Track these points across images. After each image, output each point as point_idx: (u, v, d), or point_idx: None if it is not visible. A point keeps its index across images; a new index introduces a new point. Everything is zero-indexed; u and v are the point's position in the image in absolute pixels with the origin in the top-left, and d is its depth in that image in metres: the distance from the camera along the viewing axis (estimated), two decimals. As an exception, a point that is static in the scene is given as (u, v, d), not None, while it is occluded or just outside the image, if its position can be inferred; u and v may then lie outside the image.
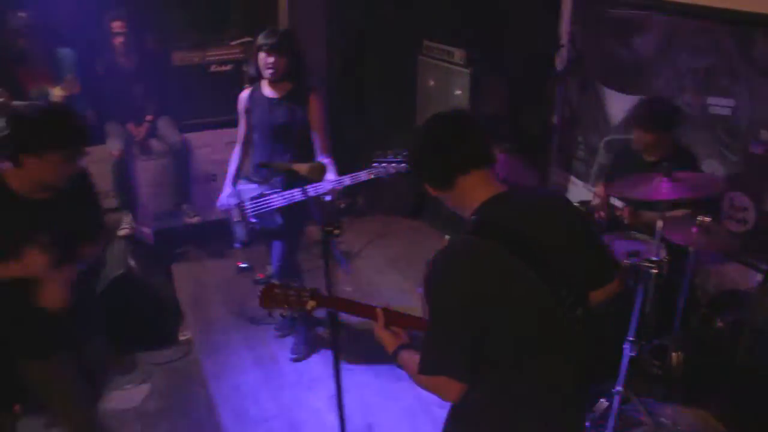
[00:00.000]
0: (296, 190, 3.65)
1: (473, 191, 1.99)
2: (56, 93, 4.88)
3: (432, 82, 5.68)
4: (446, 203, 2.08)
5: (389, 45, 5.86)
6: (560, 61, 5.32)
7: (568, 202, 2.21)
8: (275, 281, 2.53)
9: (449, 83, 5.46)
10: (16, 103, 4.57)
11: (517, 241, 1.90)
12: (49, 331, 2.76)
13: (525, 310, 1.90)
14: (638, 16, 4.66)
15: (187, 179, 5.51)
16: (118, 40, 5.12)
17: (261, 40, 3.77)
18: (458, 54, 5.34)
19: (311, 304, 2.45)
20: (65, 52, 4.99)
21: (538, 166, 5.37)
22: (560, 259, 1.94)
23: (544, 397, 1.98)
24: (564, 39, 5.29)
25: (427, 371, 1.92)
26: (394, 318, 2.26)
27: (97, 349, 3.26)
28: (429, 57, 5.69)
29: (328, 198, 3.68)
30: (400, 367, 2.16)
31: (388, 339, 2.21)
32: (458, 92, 5.36)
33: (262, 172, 3.93)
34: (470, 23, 5.51)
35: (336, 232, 2.73)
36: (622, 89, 4.91)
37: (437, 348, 1.91)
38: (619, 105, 4.94)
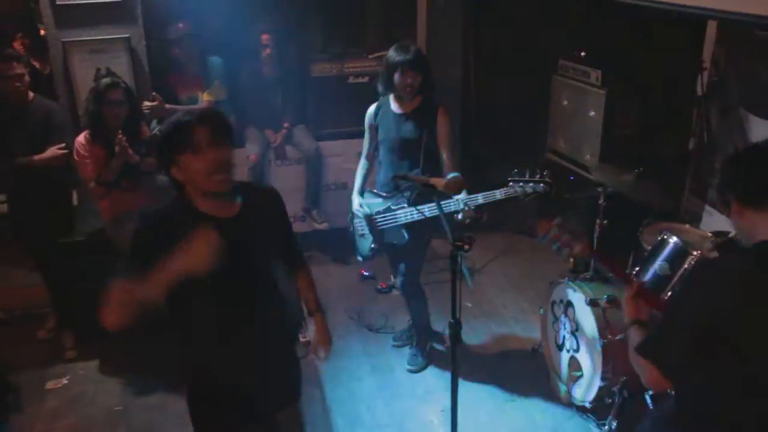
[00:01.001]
0: (427, 205, 3.64)
1: (760, 220, 1.98)
2: (204, 98, 5.23)
3: (566, 102, 5.61)
4: (736, 222, 2.09)
5: (524, 63, 5.84)
6: (701, 84, 5.12)
7: None
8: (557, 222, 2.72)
9: (583, 103, 5.38)
10: (168, 106, 4.92)
11: None
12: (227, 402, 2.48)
13: (759, 344, 1.93)
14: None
15: (318, 186, 5.71)
16: (266, 52, 5.39)
17: (396, 57, 3.77)
18: (594, 74, 5.25)
19: (578, 249, 2.68)
20: (214, 61, 5.31)
21: (672, 192, 5.19)
22: None
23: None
24: (706, 61, 5.08)
25: (640, 351, 2.11)
26: (644, 293, 2.43)
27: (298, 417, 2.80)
28: (564, 76, 5.62)
29: (459, 216, 3.67)
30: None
31: (630, 308, 2.38)
32: (592, 113, 5.27)
33: (389, 186, 3.97)
34: (608, 43, 5.40)
35: (466, 247, 2.76)
36: (768, 116, 4.66)
37: (658, 335, 2.11)
38: (763, 132, 4.69)
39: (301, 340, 4.73)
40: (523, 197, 3.57)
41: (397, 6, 6.13)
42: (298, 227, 5.74)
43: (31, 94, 4.35)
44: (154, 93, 4.77)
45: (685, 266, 3.39)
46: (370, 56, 5.66)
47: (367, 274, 5.42)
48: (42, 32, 5.11)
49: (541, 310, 4.19)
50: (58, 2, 4.83)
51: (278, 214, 2.60)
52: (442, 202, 3.41)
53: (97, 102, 4.10)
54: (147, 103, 4.71)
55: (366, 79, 5.63)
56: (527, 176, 3.56)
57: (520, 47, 5.82)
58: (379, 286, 5.26)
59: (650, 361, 2.06)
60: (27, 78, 4.27)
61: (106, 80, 4.20)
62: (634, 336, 2.24)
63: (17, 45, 5.78)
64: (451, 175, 3.73)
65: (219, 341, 2.40)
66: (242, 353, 2.43)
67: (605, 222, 4.27)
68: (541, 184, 3.55)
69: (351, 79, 5.68)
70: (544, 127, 5.92)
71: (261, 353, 2.46)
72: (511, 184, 3.58)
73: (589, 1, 5.52)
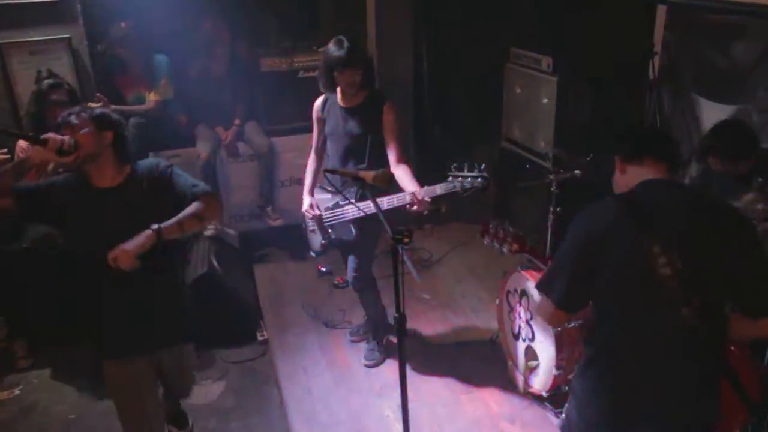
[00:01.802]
0: (367, 201, 3.59)
1: (639, 173, 2.29)
2: (151, 98, 5.13)
3: (519, 90, 5.59)
4: (619, 179, 2.40)
5: (476, 52, 5.81)
6: (653, 69, 5.13)
7: (743, 221, 2.28)
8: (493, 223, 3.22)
9: (536, 91, 5.35)
10: (114, 107, 4.82)
11: (647, 215, 2.16)
12: (129, 332, 2.95)
13: (627, 279, 2.18)
14: (738, 22, 4.42)
15: (272, 182, 5.65)
16: (217, 48, 5.31)
17: (331, 54, 3.70)
18: (545, 61, 5.23)
19: (515, 246, 3.23)
20: (160, 59, 5.21)
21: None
22: (693, 254, 2.12)
23: (643, 363, 2.24)
24: (657, 46, 5.09)
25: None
26: None
27: (181, 356, 3.23)
28: (516, 64, 5.60)
29: (409, 209, 3.62)
30: None
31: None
32: (545, 100, 5.25)
33: (336, 181, 3.92)
34: (559, 30, 5.38)
35: (406, 240, 2.72)
36: (719, 99, 4.68)
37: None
38: (714, 115, 4.70)
39: (258, 338, 4.70)
40: (462, 192, 3.54)
41: (346, -2, 6.07)
42: (253, 225, 5.72)
43: None
44: (98, 94, 4.66)
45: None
46: (320, 50, 5.60)
47: (324, 269, 5.38)
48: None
49: (497, 300, 4.18)
50: (-9, 2, 4.70)
51: (161, 180, 2.93)
52: (381, 199, 3.42)
53: (39, 103, 4.00)
54: (91, 105, 4.60)
55: (316, 72, 5.53)
56: (465, 171, 3.53)
57: (472, 36, 5.79)
58: (336, 282, 5.21)
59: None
60: None
61: (48, 81, 4.10)
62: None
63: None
64: (382, 169, 3.68)
65: (102, 291, 2.90)
66: (121, 299, 2.89)
67: (559, 209, 4.29)
68: (479, 179, 3.52)
69: (301, 74, 5.62)
70: (498, 116, 5.90)
71: (138, 301, 2.89)
72: (450, 179, 3.55)
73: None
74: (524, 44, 5.54)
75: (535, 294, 3.73)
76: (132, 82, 5.14)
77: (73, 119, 2.81)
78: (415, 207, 3.60)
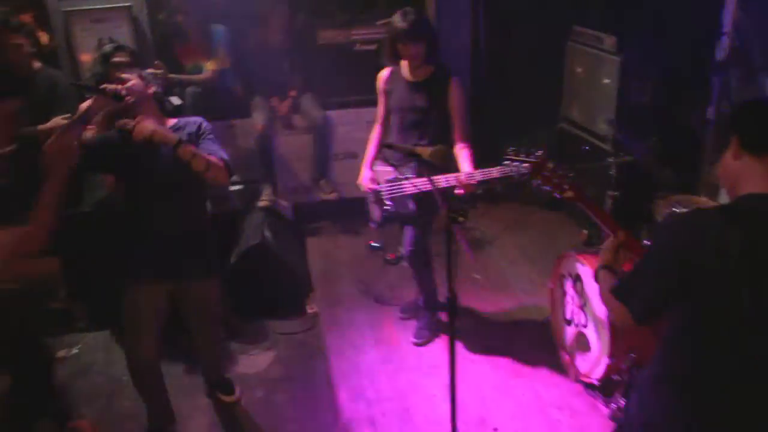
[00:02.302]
0: (425, 179, 3.57)
1: (753, 170, 1.98)
2: (208, 67, 5.16)
3: (580, 70, 5.45)
4: (727, 167, 2.06)
5: (537, 30, 5.68)
6: (721, 50, 4.94)
7: None
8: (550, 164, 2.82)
9: (598, 71, 5.21)
10: (172, 76, 4.86)
11: (756, 238, 1.89)
12: (150, 257, 3.28)
13: (720, 302, 1.93)
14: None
15: (327, 156, 5.63)
16: (274, 20, 5.30)
17: (395, 26, 3.70)
18: (608, 40, 5.07)
19: (569, 193, 2.79)
20: (218, 29, 5.22)
21: (689, 164, 5.04)
22: None
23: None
24: (727, 26, 4.89)
25: (615, 293, 2.17)
26: (630, 244, 2.50)
27: (203, 293, 3.43)
28: (578, 43, 5.45)
29: (457, 192, 3.58)
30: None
31: (606, 254, 2.48)
32: (606, 81, 5.11)
33: (396, 156, 3.91)
34: (623, 7, 5.22)
35: (461, 219, 2.69)
36: (792, 83, 4.50)
37: (631, 280, 2.14)
38: (786, 101, 4.53)
39: (308, 311, 4.72)
40: (518, 177, 3.40)
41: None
42: (306, 197, 5.73)
43: (37, 65, 4.30)
44: (156, 61, 4.70)
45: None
46: (378, 23, 5.54)
47: (375, 245, 5.36)
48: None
49: (550, 283, 4.11)
50: (57, -29, 4.77)
51: (198, 136, 3.29)
52: (438, 178, 3.38)
53: (104, 64, 4.03)
54: (151, 71, 4.64)
55: (374, 46, 5.53)
56: (522, 155, 3.41)
57: (532, 13, 5.65)
58: (387, 257, 5.19)
59: (622, 303, 2.13)
60: (27, 48, 4.22)
61: (112, 44, 4.13)
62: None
63: (26, 17, 5.72)
64: (439, 145, 3.64)
65: (139, 215, 3.29)
66: (148, 228, 3.29)
67: (617, 194, 4.19)
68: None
69: (358, 47, 5.58)
70: (558, 95, 5.77)
71: (163, 231, 3.27)
72: (506, 162, 3.44)
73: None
74: (587, 22, 5.39)
75: (589, 280, 3.66)
76: (190, 52, 5.18)
77: (125, 76, 3.25)
78: (461, 190, 3.58)
